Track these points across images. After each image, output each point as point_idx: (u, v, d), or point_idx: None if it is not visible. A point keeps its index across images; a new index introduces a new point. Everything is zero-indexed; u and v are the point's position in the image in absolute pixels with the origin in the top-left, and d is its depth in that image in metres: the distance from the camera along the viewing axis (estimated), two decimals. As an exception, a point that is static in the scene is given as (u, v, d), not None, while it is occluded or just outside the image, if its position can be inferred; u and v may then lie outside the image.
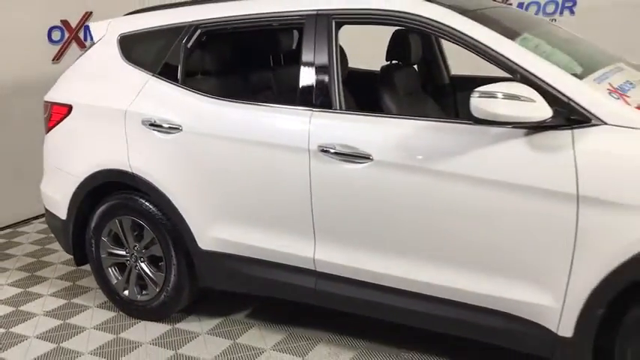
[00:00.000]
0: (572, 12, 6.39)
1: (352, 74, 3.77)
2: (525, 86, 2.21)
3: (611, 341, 2.26)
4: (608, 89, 2.33)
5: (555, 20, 6.44)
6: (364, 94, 3.25)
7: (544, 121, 2.20)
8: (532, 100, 2.17)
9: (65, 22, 5.28)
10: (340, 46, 2.86)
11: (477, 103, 2.19)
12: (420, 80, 3.59)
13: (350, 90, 3.14)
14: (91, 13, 5.46)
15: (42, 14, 5.04)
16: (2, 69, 4.78)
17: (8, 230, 4.96)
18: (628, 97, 2.32)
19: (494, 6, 3.10)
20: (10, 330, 3.10)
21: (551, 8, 6.48)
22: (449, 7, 2.56)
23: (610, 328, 2.25)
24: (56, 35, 5.25)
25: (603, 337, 2.27)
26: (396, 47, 3.41)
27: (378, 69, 3.40)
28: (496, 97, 2.17)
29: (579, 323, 2.27)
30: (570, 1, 6.36)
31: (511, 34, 2.58)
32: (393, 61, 3.47)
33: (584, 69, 2.52)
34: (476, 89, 2.20)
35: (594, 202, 2.16)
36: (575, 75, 2.37)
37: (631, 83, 2.49)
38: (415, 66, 3.62)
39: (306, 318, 3.22)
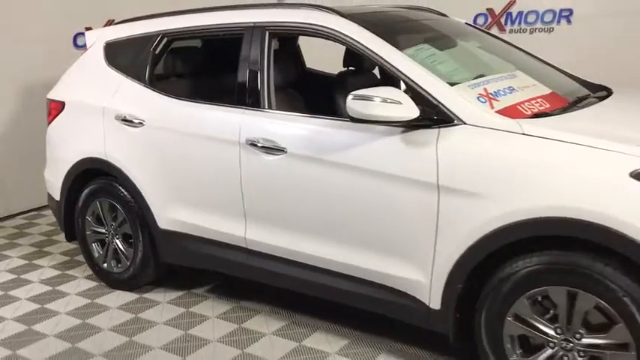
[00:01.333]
0: (568, 21, 6.58)
1: (317, 77, 4.20)
2: (395, 89, 2.58)
3: (473, 312, 2.58)
4: (479, 94, 2.66)
5: (553, 29, 6.66)
6: (323, 96, 3.59)
7: (413, 121, 2.56)
8: (399, 102, 2.53)
9: (89, 29, 5.89)
10: (298, 52, 3.21)
11: (352, 105, 2.57)
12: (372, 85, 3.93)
13: (312, 92, 3.51)
14: (113, 20, 6.06)
15: (69, 22, 5.65)
16: (33, 70, 5.38)
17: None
18: (497, 101, 2.65)
19: (417, 18, 3.45)
20: (86, 321, 3.50)
21: (549, 17, 6.69)
22: (356, 21, 2.93)
23: (471, 301, 2.58)
24: (80, 40, 5.87)
25: (467, 309, 2.60)
26: (350, 55, 3.78)
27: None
28: (367, 100, 2.54)
29: (444, 296, 2.61)
30: (567, 10, 6.54)
31: (411, 43, 2.94)
32: (350, 68, 3.83)
33: (471, 75, 2.85)
34: (351, 92, 2.58)
35: (451, 190, 2.50)
36: (454, 82, 2.71)
37: (514, 89, 2.80)
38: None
39: (308, 307, 3.44)
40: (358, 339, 3.16)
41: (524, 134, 2.41)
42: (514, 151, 2.40)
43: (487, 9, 6.91)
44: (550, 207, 2.28)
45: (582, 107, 2.79)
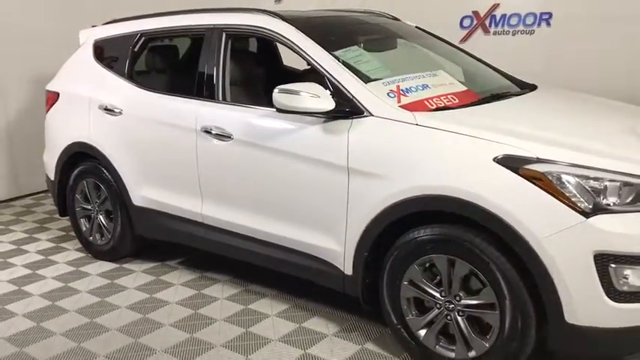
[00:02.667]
0: (548, 24, 6.90)
1: (289, 74, 4.64)
2: (316, 85, 2.99)
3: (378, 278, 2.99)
4: (390, 90, 3.06)
5: (534, 31, 6.97)
6: None
7: (330, 112, 2.98)
8: (317, 96, 2.96)
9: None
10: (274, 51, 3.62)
11: (277, 97, 3.00)
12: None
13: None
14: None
15: (79, 20, 6.14)
16: (44, 65, 5.86)
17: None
18: (406, 96, 3.05)
19: (363, 22, 3.86)
20: (68, 284, 3.97)
21: (530, 20, 7.01)
22: (294, 24, 3.35)
23: (378, 268, 2.99)
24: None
25: (374, 274, 3.01)
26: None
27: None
28: (290, 93, 2.97)
29: (355, 263, 3.02)
30: (547, 13, 6.86)
31: (344, 45, 3.36)
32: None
33: (392, 74, 3.24)
34: (277, 87, 3.01)
35: (358, 172, 2.92)
36: (373, 79, 3.12)
37: (427, 86, 3.19)
38: None
39: (310, 293, 3.65)
40: (357, 322, 3.39)
41: (417, 125, 2.81)
42: (407, 139, 2.81)
43: (472, 11, 7.24)
44: (432, 186, 2.68)
45: (486, 103, 3.17)
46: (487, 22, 7.21)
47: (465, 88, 3.31)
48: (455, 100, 3.14)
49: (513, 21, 7.08)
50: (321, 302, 3.58)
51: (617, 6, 6.09)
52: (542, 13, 6.89)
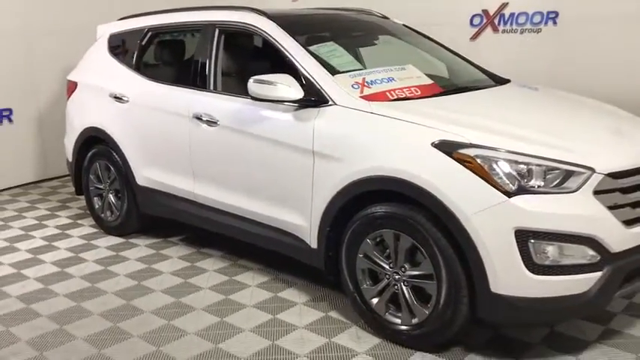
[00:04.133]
0: (554, 23, 7.07)
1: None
2: (287, 76, 3.33)
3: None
4: (356, 82, 3.37)
5: (541, 30, 7.16)
6: None
7: (299, 100, 3.31)
8: (288, 86, 3.29)
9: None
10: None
11: (251, 87, 3.35)
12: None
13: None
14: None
15: (106, 15, 6.63)
16: (71, 57, 6.29)
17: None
18: (369, 88, 3.35)
19: (346, 20, 4.18)
20: (79, 255, 4.44)
21: (537, 19, 7.20)
22: (275, 21, 3.70)
23: (339, 242, 3.30)
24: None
25: (336, 248, 3.32)
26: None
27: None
28: (263, 83, 3.32)
29: (319, 238, 3.35)
30: (553, 12, 7.03)
31: (321, 40, 3.69)
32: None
33: (361, 67, 3.56)
34: (252, 77, 3.36)
35: (322, 155, 3.24)
36: (342, 71, 3.44)
37: (393, 79, 3.49)
38: None
39: (290, 268, 3.97)
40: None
41: (372, 113, 3.12)
42: (362, 126, 3.12)
43: (482, 10, 7.46)
44: (380, 168, 2.99)
45: (447, 95, 3.45)
46: (496, 21, 7.40)
47: (430, 82, 3.59)
48: (417, 92, 3.42)
49: (521, 19, 7.26)
50: (300, 276, 3.92)
51: (623, 5, 6.20)
52: (549, 12, 7.05)
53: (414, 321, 3.02)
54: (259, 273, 4.05)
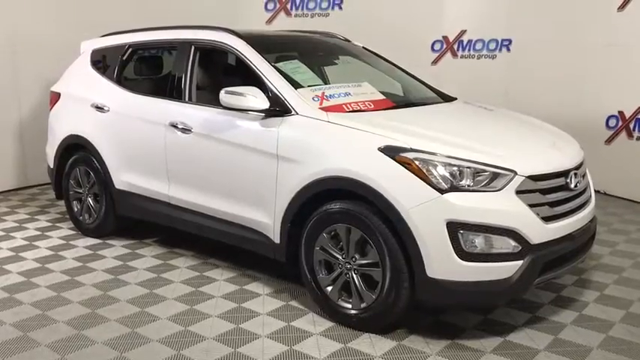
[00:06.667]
0: (508, 49, 7.63)
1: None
2: (254, 88, 3.75)
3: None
4: (316, 95, 3.80)
5: (496, 56, 7.71)
6: None
7: (265, 110, 3.72)
8: (255, 96, 3.71)
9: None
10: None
11: (223, 97, 3.76)
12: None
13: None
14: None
15: (87, 32, 6.98)
16: (52, 70, 6.62)
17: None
18: (328, 100, 3.78)
19: (312, 41, 4.63)
20: (58, 253, 4.76)
21: (492, 45, 7.76)
22: (246, 40, 4.13)
23: (299, 238, 3.69)
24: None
25: (296, 243, 3.71)
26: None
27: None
28: (233, 94, 3.73)
29: (281, 233, 3.74)
30: (507, 40, 7.59)
31: (287, 58, 4.12)
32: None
33: (320, 83, 3.99)
34: (224, 88, 3.77)
35: (285, 159, 3.65)
36: (304, 85, 3.87)
37: (349, 94, 3.92)
38: None
39: (257, 265, 4.39)
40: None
41: (329, 122, 3.55)
42: (319, 133, 3.55)
43: (443, 36, 8.00)
44: (334, 169, 3.41)
45: (397, 109, 3.90)
46: (455, 47, 7.95)
47: (382, 97, 4.03)
48: (371, 105, 3.87)
49: (478, 46, 7.82)
50: (265, 272, 4.30)
51: (573, 34, 6.76)
52: (503, 40, 7.63)
53: (363, 305, 3.42)
54: (227, 269, 4.41)
